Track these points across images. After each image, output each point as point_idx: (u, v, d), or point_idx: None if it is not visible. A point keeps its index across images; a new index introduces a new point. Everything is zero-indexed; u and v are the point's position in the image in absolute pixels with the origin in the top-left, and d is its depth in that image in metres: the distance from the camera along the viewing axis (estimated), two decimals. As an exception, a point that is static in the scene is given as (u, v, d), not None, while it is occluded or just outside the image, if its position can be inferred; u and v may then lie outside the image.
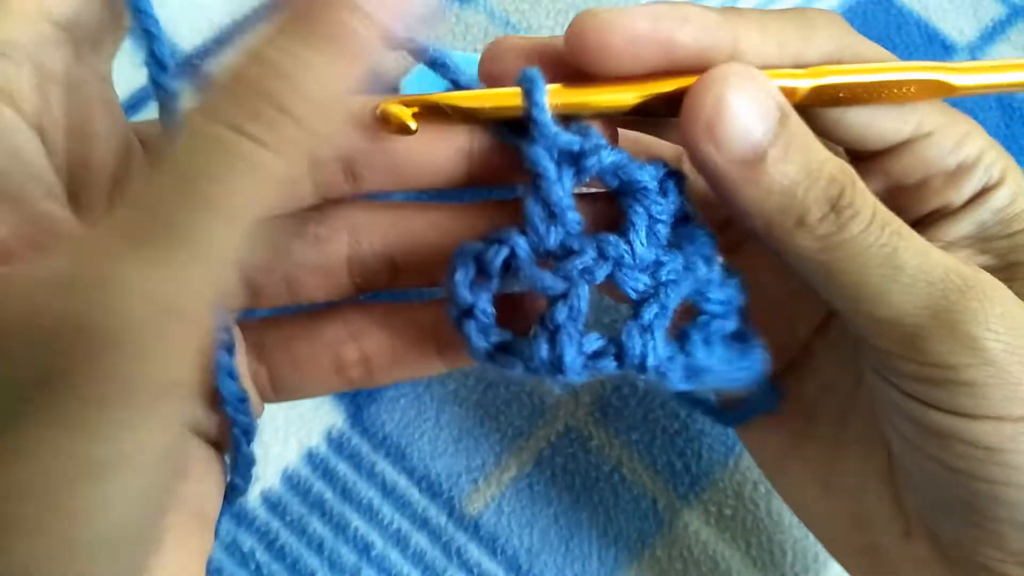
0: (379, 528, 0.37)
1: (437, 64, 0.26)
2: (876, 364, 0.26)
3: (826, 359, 0.31)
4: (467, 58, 0.45)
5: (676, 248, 0.25)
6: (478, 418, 0.38)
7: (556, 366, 0.23)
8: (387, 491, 0.37)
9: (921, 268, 0.23)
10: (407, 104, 0.24)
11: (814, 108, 0.26)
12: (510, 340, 0.25)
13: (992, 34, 0.49)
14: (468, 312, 0.24)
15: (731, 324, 0.26)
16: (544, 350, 0.23)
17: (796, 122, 0.24)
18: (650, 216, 0.25)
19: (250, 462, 0.27)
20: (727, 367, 0.25)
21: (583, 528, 0.37)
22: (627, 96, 0.25)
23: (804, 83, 0.25)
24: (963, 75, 0.26)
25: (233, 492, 0.28)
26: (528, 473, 0.38)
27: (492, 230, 0.24)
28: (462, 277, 0.24)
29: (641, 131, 0.29)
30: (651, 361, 0.24)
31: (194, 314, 0.19)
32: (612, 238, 0.24)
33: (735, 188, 0.24)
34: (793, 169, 0.23)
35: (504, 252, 0.24)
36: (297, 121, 0.19)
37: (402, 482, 0.37)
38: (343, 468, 0.37)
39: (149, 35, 0.23)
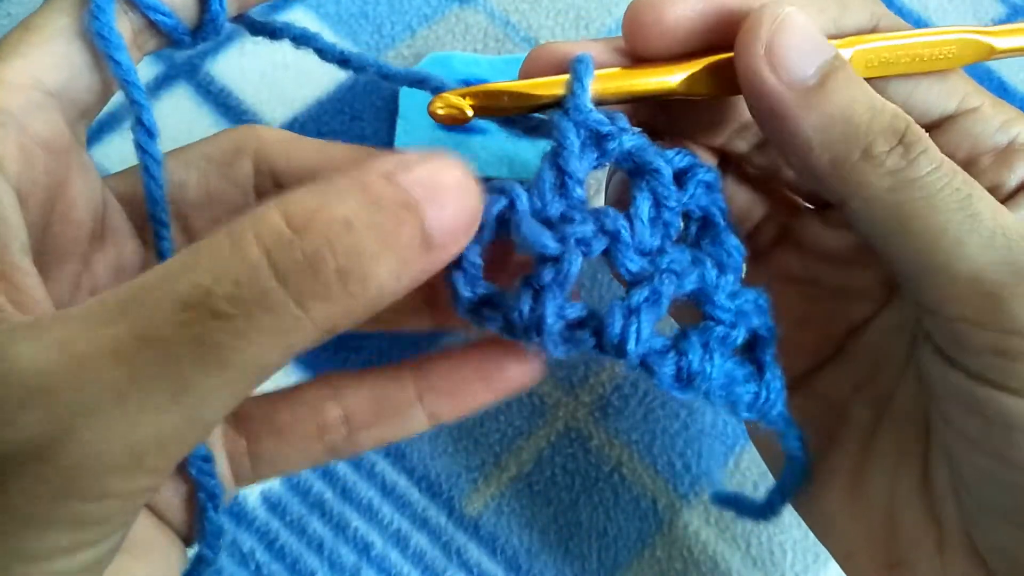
0: (379, 528, 0.37)
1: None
2: (943, 340, 0.24)
3: (861, 358, 0.29)
4: (467, 58, 0.45)
5: (694, 246, 0.25)
6: (478, 418, 0.38)
7: (535, 325, 0.23)
8: (387, 491, 0.37)
9: (998, 222, 0.22)
10: (463, 95, 0.25)
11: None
12: (494, 294, 0.24)
13: (992, 34, 0.49)
14: (456, 262, 0.23)
15: (738, 336, 0.25)
16: (526, 306, 0.23)
17: (851, 67, 0.24)
18: (656, 199, 0.24)
19: (218, 531, 0.26)
20: (727, 382, 0.24)
21: (583, 528, 0.37)
22: (672, 77, 0.25)
23: (846, 52, 0.25)
24: (1003, 37, 0.26)
25: (200, 564, 0.27)
26: (528, 473, 0.38)
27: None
28: None
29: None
30: (632, 346, 0.23)
31: (166, 467, 0.19)
32: (612, 212, 0.24)
33: (795, 117, 0.23)
34: (855, 97, 0.23)
35: (502, 203, 0.23)
36: (349, 302, 0.18)
37: (402, 482, 0.37)
38: (343, 468, 0.37)
39: (137, 105, 0.25)
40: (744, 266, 0.26)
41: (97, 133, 0.42)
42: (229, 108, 0.43)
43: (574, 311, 0.23)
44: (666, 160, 0.25)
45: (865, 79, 0.25)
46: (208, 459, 0.25)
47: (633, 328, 0.23)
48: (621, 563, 0.37)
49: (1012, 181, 0.26)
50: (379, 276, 0.18)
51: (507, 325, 0.23)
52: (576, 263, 0.23)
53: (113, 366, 0.17)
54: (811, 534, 0.34)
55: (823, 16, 0.25)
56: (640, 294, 0.23)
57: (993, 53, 0.26)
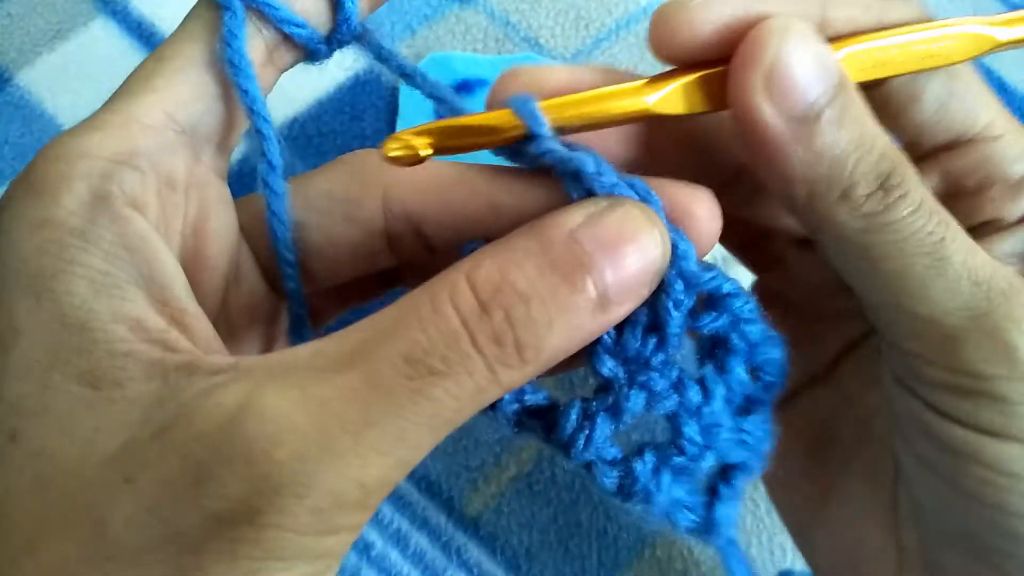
0: (379, 528, 0.37)
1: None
2: (902, 371, 0.25)
3: (852, 378, 0.29)
4: (467, 58, 0.45)
5: (703, 365, 0.24)
6: (478, 417, 0.38)
7: (583, 445, 0.23)
8: (387, 491, 0.37)
9: (967, 265, 0.22)
10: (421, 132, 0.23)
11: (878, 88, 0.25)
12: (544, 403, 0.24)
13: (992, 34, 0.49)
14: None
15: (700, 468, 0.24)
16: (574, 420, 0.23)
17: (853, 91, 0.23)
18: (656, 315, 0.23)
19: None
20: (671, 508, 0.23)
21: (583, 528, 0.37)
22: (649, 97, 0.23)
23: (837, 55, 0.23)
24: (1005, 28, 0.25)
25: None
26: (528, 473, 0.38)
27: None
28: None
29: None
30: (580, 447, 0.22)
31: (377, 505, 0.20)
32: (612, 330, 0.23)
33: (783, 149, 0.22)
34: (847, 135, 0.22)
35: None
36: (525, 369, 0.20)
37: (402, 482, 0.37)
38: (343, 468, 0.37)
39: (263, 137, 0.24)
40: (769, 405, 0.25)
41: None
42: (229, 108, 0.43)
43: (535, 398, 0.23)
44: (692, 279, 0.22)
45: (869, 80, 0.24)
46: None
47: (583, 435, 0.23)
48: (621, 563, 0.37)
49: (1013, 215, 0.25)
50: (551, 343, 0.20)
51: (548, 433, 0.23)
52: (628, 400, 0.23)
53: (351, 410, 0.18)
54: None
55: (868, 13, 0.24)
56: (602, 402, 0.23)
57: (996, 46, 0.25)
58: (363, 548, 0.36)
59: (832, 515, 0.29)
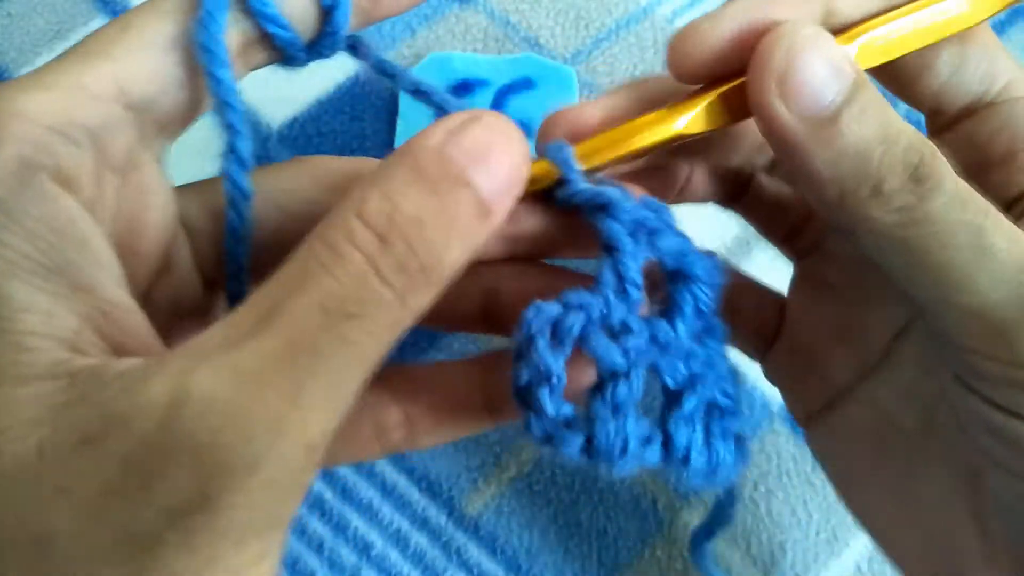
0: (379, 528, 0.37)
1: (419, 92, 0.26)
2: (957, 367, 0.24)
3: (910, 363, 0.28)
4: (467, 58, 0.45)
5: (700, 341, 0.24)
6: (478, 418, 0.38)
7: (621, 448, 0.22)
8: (387, 491, 0.37)
9: (1012, 253, 0.21)
10: None
11: (891, 65, 0.24)
12: (572, 415, 0.23)
13: (992, 34, 0.49)
14: (547, 378, 0.22)
15: (738, 422, 0.24)
16: (612, 428, 0.22)
17: (870, 87, 0.22)
18: (697, 307, 0.24)
19: None
20: (733, 466, 0.24)
21: (583, 528, 0.37)
22: (676, 123, 0.24)
23: (850, 48, 0.23)
24: None
25: None
26: (528, 473, 0.38)
27: (565, 292, 0.23)
28: (544, 342, 0.22)
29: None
30: (695, 454, 0.23)
31: (321, 458, 0.20)
32: (663, 324, 0.24)
33: (806, 151, 0.22)
34: (869, 131, 0.22)
35: (583, 319, 0.22)
36: (432, 290, 0.20)
37: (402, 482, 0.37)
38: (343, 468, 0.37)
39: (233, 131, 0.23)
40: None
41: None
42: (229, 108, 0.43)
43: (642, 429, 0.23)
44: (705, 268, 0.24)
45: (884, 62, 0.24)
46: None
47: (695, 439, 0.23)
48: (621, 563, 0.37)
49: None
50: (451, 259, 0.20)
51: (588, 447, 0.22)
52: (641, 377, 0.22)
53: (281, 376, 0.18)
54: (811, 534, 0.34)
55: (808, 7, 0.24)
56: (691, 402, 0.23)
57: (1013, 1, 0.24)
58: (363, 548, 0.36)
59: (910, 506, 0.28)
